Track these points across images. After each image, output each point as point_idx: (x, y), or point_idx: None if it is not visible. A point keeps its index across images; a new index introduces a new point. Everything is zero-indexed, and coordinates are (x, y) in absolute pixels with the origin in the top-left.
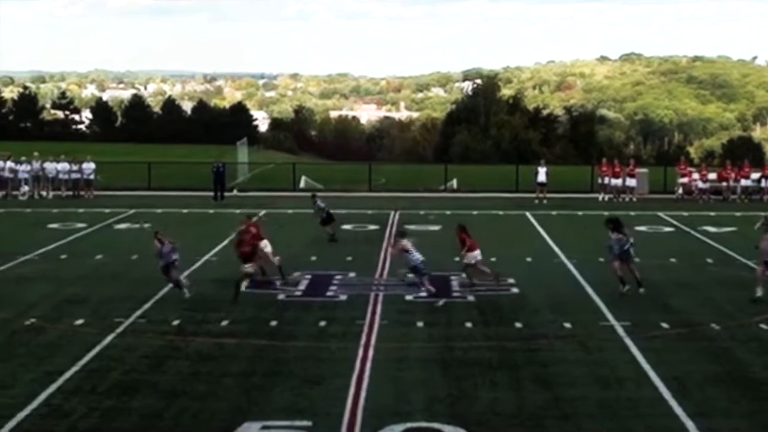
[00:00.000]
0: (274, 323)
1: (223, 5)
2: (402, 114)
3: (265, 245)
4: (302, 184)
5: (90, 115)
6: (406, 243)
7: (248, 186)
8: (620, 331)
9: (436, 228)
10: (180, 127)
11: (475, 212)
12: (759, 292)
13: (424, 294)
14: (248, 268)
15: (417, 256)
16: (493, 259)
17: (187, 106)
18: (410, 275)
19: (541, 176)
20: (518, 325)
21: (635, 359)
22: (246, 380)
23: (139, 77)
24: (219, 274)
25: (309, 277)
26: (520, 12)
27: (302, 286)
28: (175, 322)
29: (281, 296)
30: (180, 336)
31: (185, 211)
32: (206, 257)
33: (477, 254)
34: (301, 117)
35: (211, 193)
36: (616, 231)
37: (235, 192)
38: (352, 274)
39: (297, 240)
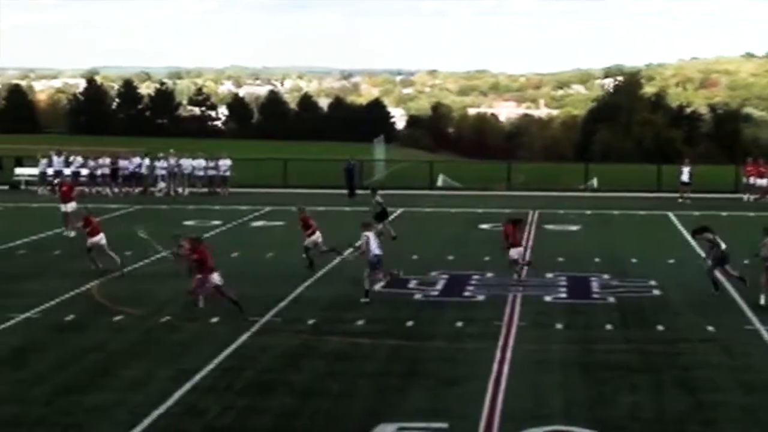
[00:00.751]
0: (410, 323)
1: (359, 0)
2: (541, 111)
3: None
4: (440, 183)
5: (226, 112)
6: (369, 235)
7: (385, 184)
8: (766, 335)
9: (575, 228)
10: (316, 124)
11: (615, 212)
12: (762, 300)
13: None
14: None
15: (375, 251)
16: (634, 260)
17: (324, 103)
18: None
19: (684, 176)
20: (660, 327)
21: None
22: (381, 380)
23: (275, 73)
24: (355, 274)
25: (446, 277)
26: (664, 8)
27: (439, 286)
28: (311, 321)
29: (418, 296)
30: (315, 335)
31: (321, 208)
32: (343, 255)
33: (519, 251)
34: (438, 114)
35: (345, 191)
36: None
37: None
38: (489, 274)
39: (434, 239)
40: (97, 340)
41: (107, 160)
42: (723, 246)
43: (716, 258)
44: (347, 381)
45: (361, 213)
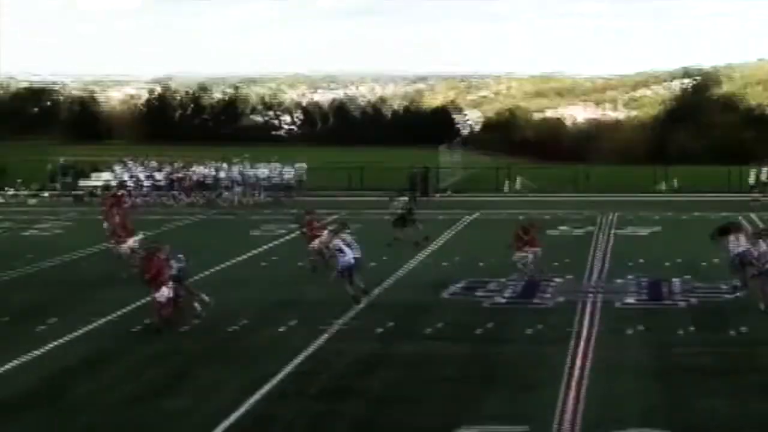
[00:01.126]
0: (484, 328)
1: (431, 5)
2: (615, 113)
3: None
4: (518, 186)
5: (298, 117)
6: (340, 236)
7: (458, 188)
8: None
9: (650, 231)
10: (389, 129)
11: (696, 213)
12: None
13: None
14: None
15: (350, 258)
16: (716, 260)
17: (396, 108)
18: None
19: (762, 176)
20: (740, 330)
21: None
22: (457, 386)
23: (348, 78)
24: (428, 279)
25: (520, 282)
26: (738, 8)
27: (513, 291)
28: (386, 326)
29: (492, 301)
30: (390, 340)
31: (387, 215)
32: (415, 261)
33: (524, 255)
34: (511, 118)
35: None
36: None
37: (448, 193)
38: (563, 279)
39: (507, 244)
40: (171, 346)
41: (177, 167)
42: (742, 249)
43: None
44: (423, 387)
45: (428, 217)
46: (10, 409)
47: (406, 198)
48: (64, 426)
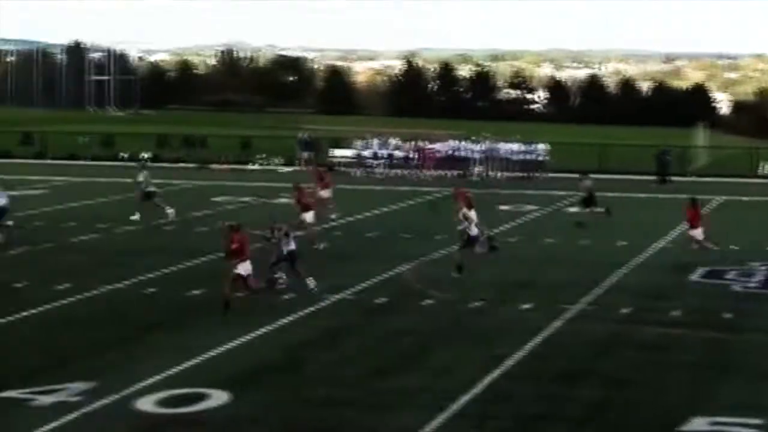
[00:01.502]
0: (727, 315)
1: None
2: None
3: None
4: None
5: (545, 95)
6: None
7: (706, 171)
8: None
9: None
10: (637, 109)
11: None
12: None
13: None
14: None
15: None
16: None
17: (645, 87)
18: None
19: None
20: None
21: None
22: (695, 373)
23: (595, 57)
24: (673, 262)
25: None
26: None
27: (760, 278)
28: (625, 310)
29: (736, 287)
30: (629, 324)
31: (642, 195)
32: (660, 243)
33: (698, 232)
34: (764, 99)
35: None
36: None
37: (691, 177)
38: None
39: (755, 229)
40: (408, 323)
41: (422, 143)
42: None
43: None
44: (660, 372)
45: (671, 201)
46: (254, 378)
47: (590, 181)
48: (304, 396)
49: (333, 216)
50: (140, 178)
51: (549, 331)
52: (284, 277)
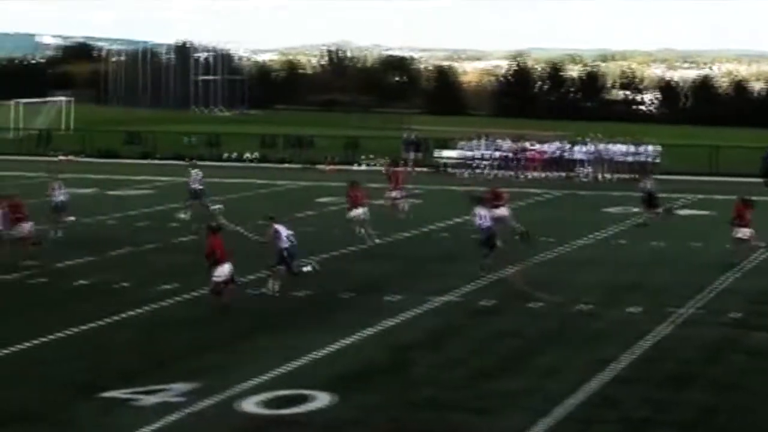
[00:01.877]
0: None
1: None
2: None
3: None
4: None
5: (655, 95)
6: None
7: None
8: None
9: None
10: (750, 110)
11: None
12: None
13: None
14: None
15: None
16: None
17: (759, 88)
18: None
19: None
20: None
21: None
22: None
23: (707, 56)
24: None
25: None
26: None
27: None
28: (735, 314)
29: None
30: (739, 329)
31: (755, 198)
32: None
33: (746, 231)
34: None
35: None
36: None
37: None
38: None
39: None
40: (515, 325)
41: (526, 144)
42: None
43: None
44: None
45: None
46: (358, 379)
47: (651, 182)
48: (409, 397)
49: (402, 216)
50: (194, 175)
51: (658, 334)
52: (311, 264)
